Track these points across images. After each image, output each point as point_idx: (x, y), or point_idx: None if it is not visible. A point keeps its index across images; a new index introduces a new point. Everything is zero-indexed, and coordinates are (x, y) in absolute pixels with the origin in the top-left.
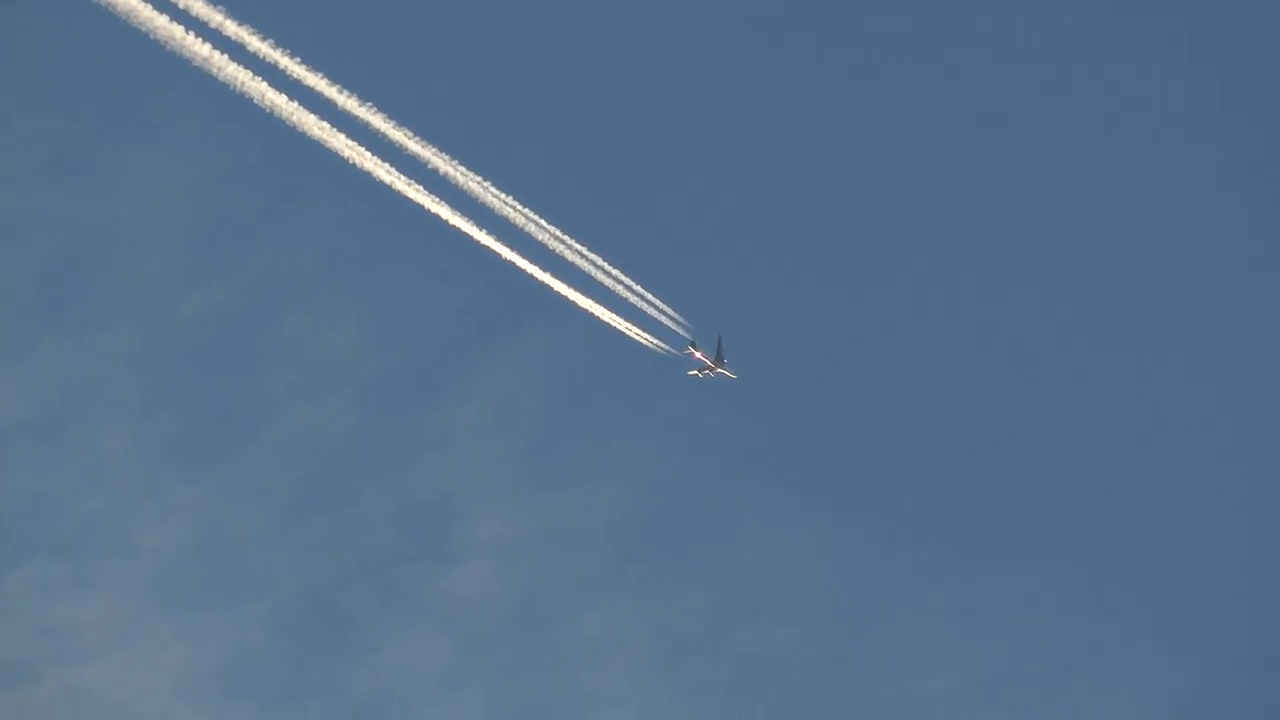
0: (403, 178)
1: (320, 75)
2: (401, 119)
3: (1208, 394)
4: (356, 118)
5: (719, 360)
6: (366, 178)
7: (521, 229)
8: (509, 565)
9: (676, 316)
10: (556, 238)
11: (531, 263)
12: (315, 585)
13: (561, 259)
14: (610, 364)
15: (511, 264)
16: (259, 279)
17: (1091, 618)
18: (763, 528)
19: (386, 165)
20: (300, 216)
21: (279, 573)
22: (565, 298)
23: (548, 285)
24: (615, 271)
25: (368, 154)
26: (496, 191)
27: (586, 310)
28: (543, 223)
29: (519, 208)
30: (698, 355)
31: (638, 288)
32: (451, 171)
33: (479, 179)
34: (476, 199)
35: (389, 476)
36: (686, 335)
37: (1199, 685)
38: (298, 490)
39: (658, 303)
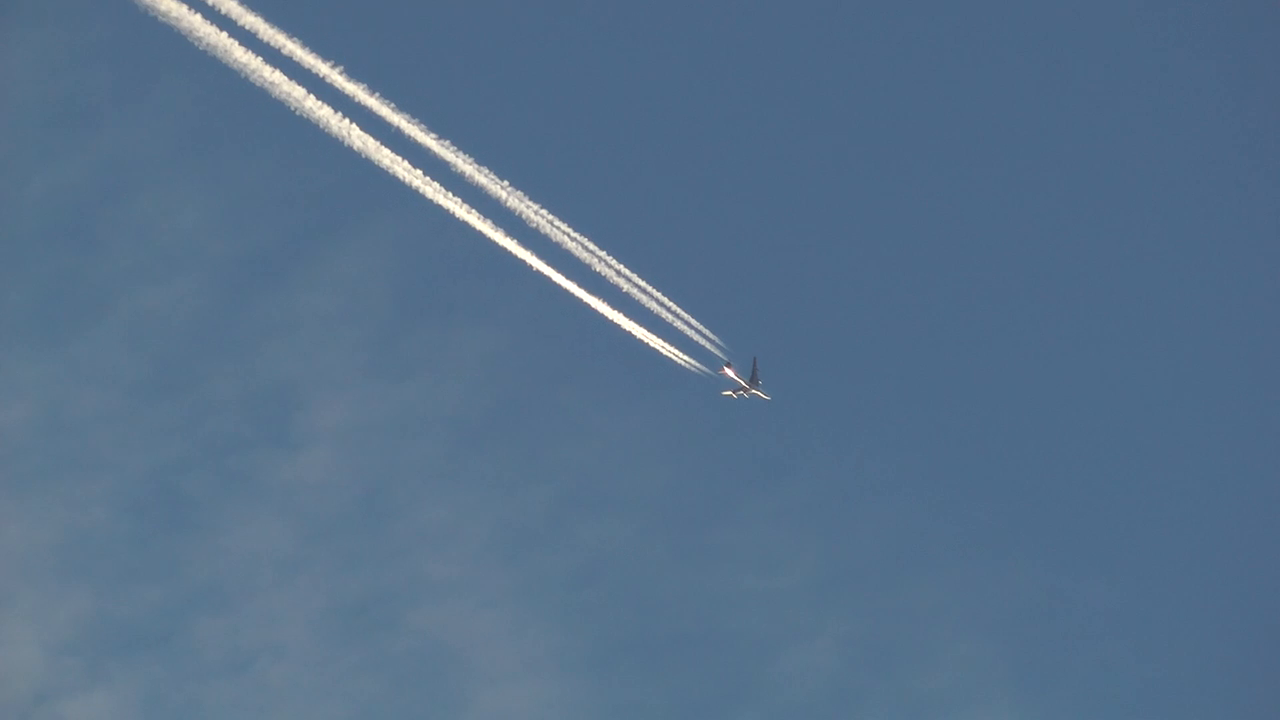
0: (267, 65)
1: None
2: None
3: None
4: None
5: (753, 381)
6: (221, 59)
7: (562, 246)
8: (352, 452)
9: (712, 337)
10: (596, 255)
11: (568, 277)
12: (158, 468)
13: (600, 276)
14: (458, 253)
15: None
16: (108, 160)
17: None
18: (605, 421)
19: (246, 49)
20: (151, 98)
21: (122, 454)
22: (600, 313)
23: (583, 299)
24: (652, 290)
25: (225, 35)
26: (541, 210)
27: (623, 328)
28: (585, 240)
29: (565, 228)
30: (732, 375)
31: (675, 307)
32: (493, 187)
33: (533, 206)
34: (517, 215)
35: (234, 361)
36: (721, 355)
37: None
38: (143, 372)
39: (694, 322)
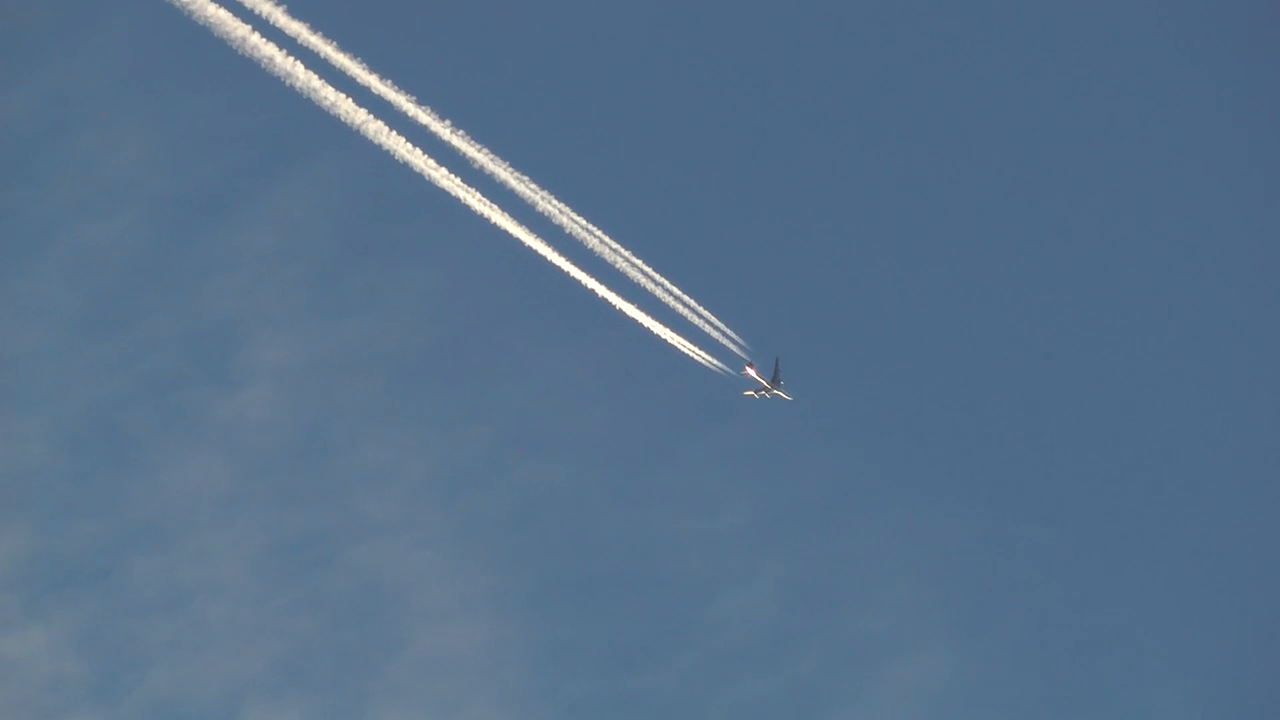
0: (211, 3)
1: None
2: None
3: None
4: None
5: (775, 382)
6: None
7: (591, 249)
8: (292, 390)
9: (735, 337)
10: (623, 256)
11: (596, 279)
12: (97, 404)
13: (625, 276)
14: (399, 192)
15: (555, 266)
16: (51, 95)
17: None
18: (544, 362)
19: None
20: (95, 34)
21: (61, 390)
22: (625, 313)
23: (608, 300)
24: (677, 290)
25: None
26: (571, 212)
27: (646, 327)
28: (609, 240)
29: (585, 224)
30: (754, 375)
31: (698, 307)
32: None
33: (563, 207)
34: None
35: (175, 298)
36: (744, 356)
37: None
38: (82, 308)
39: (718, 322)
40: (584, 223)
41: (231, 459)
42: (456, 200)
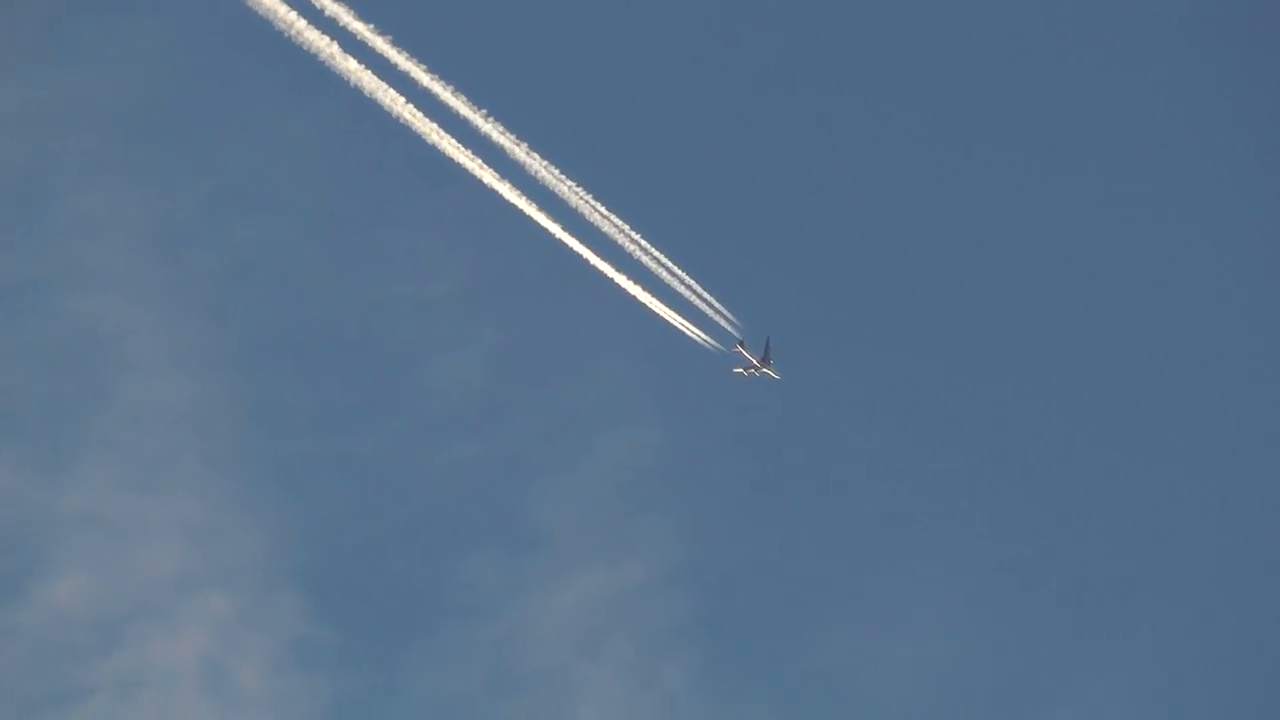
0: None
1: None
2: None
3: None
4: None
5: (765, 360)
6: None
7: (593, 223)
8: (11, 137)
9: (728, 314)
10: (621, 230)
11: (592, 250)
12: None
13: (622, 250)
14: None
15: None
16: None
17: None
18: (267, 121)
19: None
20: None
21: None
22: (620, 285)
23: (605, 272)
24: (672, 265)
25: None
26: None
27: (639, 300)
28: (610, 213)
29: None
30: (745, 354)
31: (693, 282)
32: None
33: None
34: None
35: None
36: (736, 334)
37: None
38: None
39: (712, 300)
40: (589, 199)
41: None
42: None
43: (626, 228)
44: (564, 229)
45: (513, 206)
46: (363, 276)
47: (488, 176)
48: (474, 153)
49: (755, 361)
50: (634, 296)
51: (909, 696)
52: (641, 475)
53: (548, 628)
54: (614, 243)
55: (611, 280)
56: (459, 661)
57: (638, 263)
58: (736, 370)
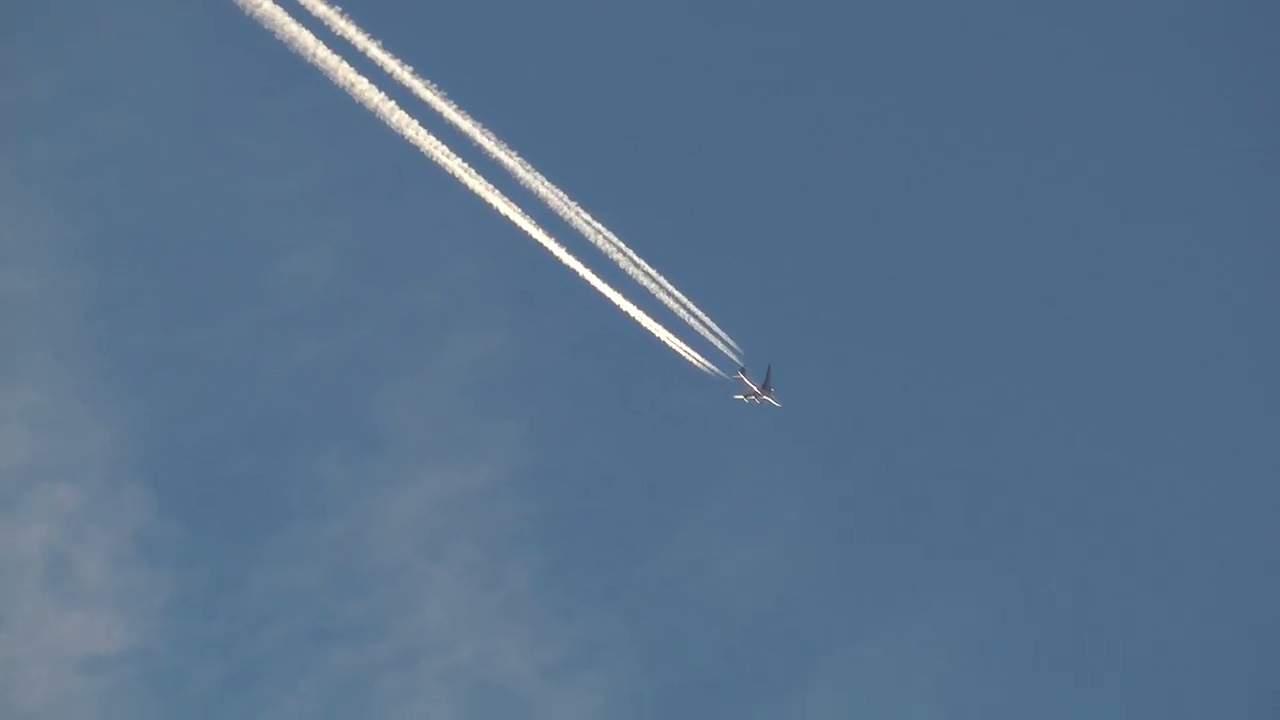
0: None
1: None
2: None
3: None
4: None
5: (765, 388)
6: None
7: (605, 253)
8: None
9: (730, 341)
10: (625, 255)
11: (602, 279)
12: None
13: (626, 274)
14: None
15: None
16: None
17: None
18: (122, 11)
19: None
20: None
21: None
22: (625, 312)
23: (610, 299)
24: (676, 292)
25: None
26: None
27: (643, 326)
28: (616, 240)
29: (597, 225)
30: (746, 381)
31: (696, 310)
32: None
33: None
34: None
35: None
36: (737, 360)
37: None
38: None
39: (714, 326)
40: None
41: None
42: None
43: (634, 253)
44: (535, 223)
45: (364, 105)
46: (215, 172)
47: (343, 74)
48: (747, 397)
49: (756, 389)
50: (639, 322)
51: (750, 600)
52: (490, 378)
53: (392, 528)
54: (618, 266)
55: (616, 305)
56: (303, 559)
57: (642, 288)
58: (737, 396)
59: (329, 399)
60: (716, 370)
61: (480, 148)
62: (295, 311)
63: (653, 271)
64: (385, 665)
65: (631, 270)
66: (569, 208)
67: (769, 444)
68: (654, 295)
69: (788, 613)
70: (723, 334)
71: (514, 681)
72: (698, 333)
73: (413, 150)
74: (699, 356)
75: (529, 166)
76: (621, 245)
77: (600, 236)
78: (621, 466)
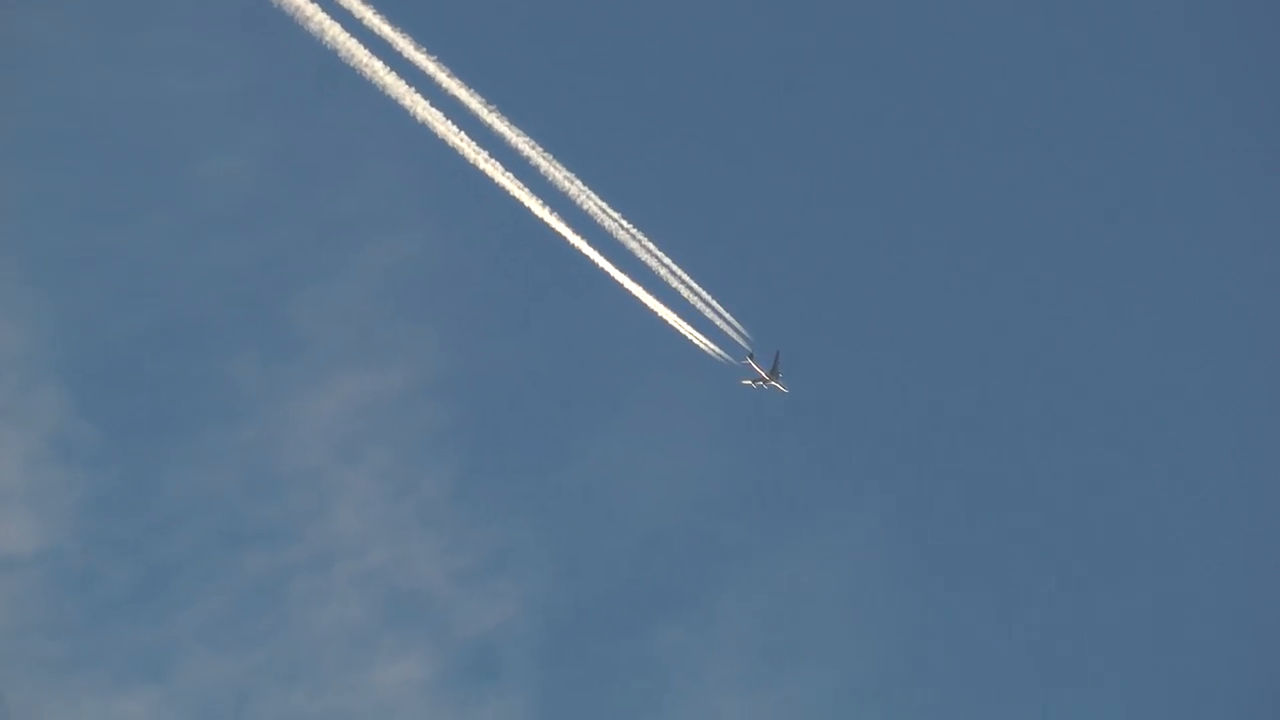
0: None
1: None
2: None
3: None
4: None
5: (773, 374)
6: None
7: (597, 221)
8: None
9: (739, 327)
10: (634, 237)
11: (610, 261)
12: None
13: (636, 258)
14: None
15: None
16: None
17: None
18: None
19: None
20: None
21: None
22: (632, 293)
23: (619, 281)
24: (686, 276)
25: None
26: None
27: (651, 309)
28: (622, 220)
29: (601, 203)
30: (754, 366)
31: (706, 295)
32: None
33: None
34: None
35: None
36: (746, 346)
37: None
38: None
39: (723, 311)
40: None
41: None
42: None
43: (643, 235)
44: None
45: (285, 6)
46: (134, 71)
47: None
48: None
49: (764, 375)
50: (647, 305)
51: (664, 509)
52: (406, 283)
53: (307, 432)
54: (629, 250)
55: (624, 287)
56: (217, 461)
57: (652, 271)
58: (745, 382)
59: (246, 302)
60: (726, 356)
61: (403, 53)
62: (213, 213)
63: (666, 257)
64: (298, 569)
65: (643, 255)
66: (546, 160)
67: (684, 349)
68: (665, 281)
69: (700, 522)
70: (732, 320)
71: (427, 586)
72: (707, 318)
73: (333, 54)
74: (708, 341)
75: (544, 151)
76: (634, 230)
77: (607, 217)
78: (538, 374)
